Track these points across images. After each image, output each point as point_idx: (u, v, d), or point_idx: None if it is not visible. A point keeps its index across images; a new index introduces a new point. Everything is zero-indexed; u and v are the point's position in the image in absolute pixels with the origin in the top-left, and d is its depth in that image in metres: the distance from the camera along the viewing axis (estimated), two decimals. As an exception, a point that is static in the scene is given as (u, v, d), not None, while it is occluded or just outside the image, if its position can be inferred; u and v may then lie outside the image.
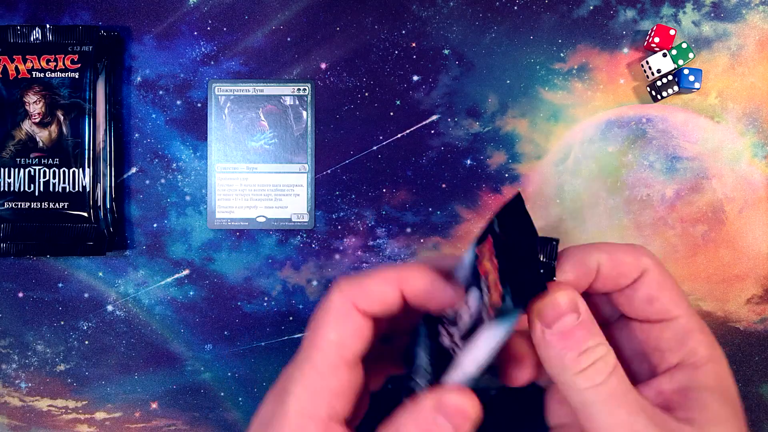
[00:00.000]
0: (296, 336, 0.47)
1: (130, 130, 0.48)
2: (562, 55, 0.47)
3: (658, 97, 0.46)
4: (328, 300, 0.27)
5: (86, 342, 0.47)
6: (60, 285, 0.47)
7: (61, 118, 0.45)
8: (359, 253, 0.47)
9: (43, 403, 0.47)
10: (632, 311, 0.28)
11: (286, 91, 0.47)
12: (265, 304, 0.47)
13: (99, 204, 0.46)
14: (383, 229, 0.47)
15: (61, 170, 0.45)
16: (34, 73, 0.45)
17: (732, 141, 0.47)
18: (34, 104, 0.45)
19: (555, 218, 0.47)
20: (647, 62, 0.46)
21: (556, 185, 0.47)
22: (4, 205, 0.45)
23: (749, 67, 0.47)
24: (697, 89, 0.45)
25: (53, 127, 0.45)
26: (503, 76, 0.47)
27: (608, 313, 0.30)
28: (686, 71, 0.45)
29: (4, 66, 0.45)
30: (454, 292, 0.27)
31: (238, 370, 0.47)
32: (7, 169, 0.45)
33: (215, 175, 0.47)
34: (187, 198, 0.47)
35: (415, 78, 0.47)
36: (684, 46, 0.45)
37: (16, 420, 0.47)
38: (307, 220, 0.47)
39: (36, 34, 0.46)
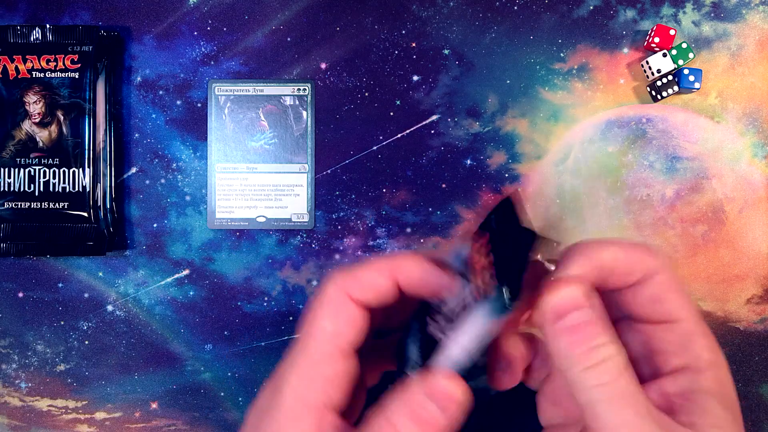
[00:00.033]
0: (296, 336, 0.47)
1: (130, 130, 0.48)
2: (562, 55, 0.47)
3: (658, 97, 0.46)
4: (323, 291, 0.27)
5: (86, 342, 0.47)
6: (60, 285, 0.47)
7: (61, 118, 0.45)
8: (359, 253, 0.47)
9: (43, 403, 0.47)
10: (636, 311, 0.28)
11: (286, 91, 0.47)
12: (265, 304, 0.47)
13: (99, 204, 0.46)
14: (383, 229, 0.47)
15: (61, 170, 0.45)
16: (34, 73, 0.45)
17: (732, 141, 0.47)
18: (34, 104, 0.45)
19: (555, 218, 0.47)
20: (647, 62, 0.46)
21: (556, 185, 0.47)
22: (4, 205, 0.45)
23: (749, 67, 0.47)
24: (697, 89, 0.45)
25: (53, 127, 0.45)
26: (503, 76, 0.47)
27: (613, 312, 0.30)
28: (686, 71, 0.45)
29: (4, 66, 0.45)
30: (447, 279, 0.27)
31: (238, 370, 0.47)
32: (7, 169, 0.45)
33: (215, 175, 0.47)
34: (187, 198, 0.47)
35: (415, 78, 0.47)
36: (684, 46, 0.45)
37: (16, 420, 0.47)
38: (307, 220, 0.47)
39: (36, 34, 0.46)
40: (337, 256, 0.47)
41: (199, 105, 0.47)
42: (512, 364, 0.29)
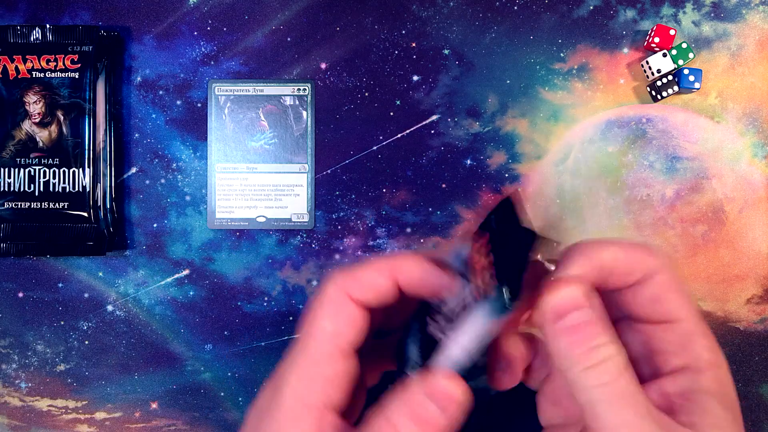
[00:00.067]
0: (296, 336, 0.47)
1: (130, 130, 0.48)
2: (562, 55, 0.47)
3: (658, 97, 0.46)
4: (323, 291, 0.27)
5: (86, 342, 0.47)
6: (60, 285, 0.47)
7: (61, 118, 0.45)
8: (359, 253, 0.47)
9: (43, 403, 0.47)
10: (636, 311, 0.28)
11: (286, 91, 0.47)
12: (265, 304, 0.47)
13: (99, 204, 0.46)
14: (383, 229, 0.47)
15: (61, 170, 0.45)
16: (34, 73, 0.45)
17: (732, 141, 0.47)
18: (34, 104, 0.45)
19: (555, 218, 0.47)
20: (647, 62, 0.46)
21: (556, 185, 0.47)
22: (4, 205, 0.45)
23: (749, 67, 0.47)
24: (697, 89, 0.45)
25: (53, 127, 0.45)
26: (503, 76, 0.47)
27: (613, 312, 0.30)
28: (686, 71, 0.45)
29: (4, 66, 0.45)
30: (447, 279, 0.27)
31: (238, 370, 0.47)
32: (7, 169, 0.45)
33: (215, 175, 0.47)
34: (187, 198, 0.47)
35: (415, 78, 0.47)
36: (684, 46, 0.45)
37: (16, 420, 0.47)
38: (307, 220, 0.47)
39: (36, 34, 0.46)
40: (337, 256, 0.47)
41: (199, 105, 0.47)
42: (512, 365, 0.29)
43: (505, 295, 0.24)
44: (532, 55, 0.47)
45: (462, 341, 0.25)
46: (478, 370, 0.26)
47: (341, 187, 0.47)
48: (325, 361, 0.26)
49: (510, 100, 0.47)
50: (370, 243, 0.47)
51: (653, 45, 0.46)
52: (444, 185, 0.47)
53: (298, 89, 0.47)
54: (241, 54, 0.47)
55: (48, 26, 0.46)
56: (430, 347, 0.26)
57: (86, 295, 0.47)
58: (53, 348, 0.47)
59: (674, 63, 0.45)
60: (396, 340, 0.31)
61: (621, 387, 0.24)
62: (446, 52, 0.47)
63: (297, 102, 0.47)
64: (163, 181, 0.47)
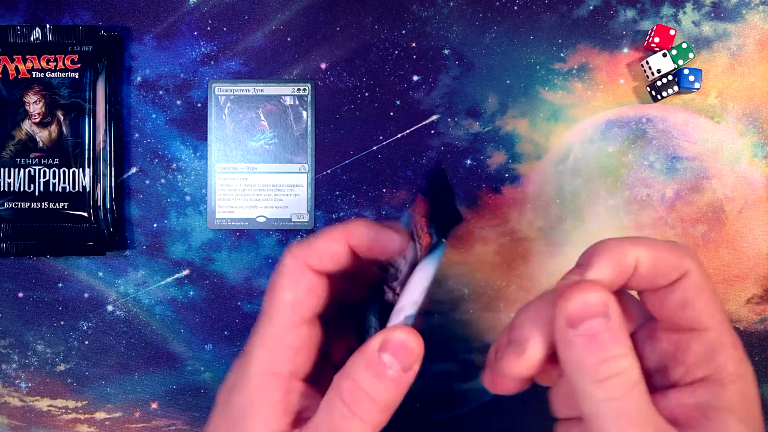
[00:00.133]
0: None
1: (130, 130, 0.48)
2: (562, 55, 0.47)
3: (658, 97, 0.46)
4: (281, 263, 0.28)
5: (86, 342, 0.47)
6: (60, 285, 0.47)
7: (61, 118, 0.45)
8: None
9: (43, 403, 0.47)
10: (663, 315, 0.27)
11: (286, 91, 0.47)
12: (265, 304, 0.47)
13: (99, 204, 0.46)
14: (383, 229, 0.47)
15: (61, 170, 0.45)
16: (34, 73, 0.45)
17: (732, 141, 0.47)
18: (34, 104, 0.45)
19: (555, 218, 0.47)
20: (647, 62, 0.46)
21: (556, 185, 0.47)
22: (4, 205, 0.45)
23: (749, 67, 0.47)
24: (697, 89, 0.45)
25: (53, 127, 0.45)
26: (503, 76, 0.47)
27: (637, 315, 0.29)
28: (686, 71, 0.45)
29: (4, 66, 0.45)
30: (399, 237, 0.28)
31: (238, 370, 0.47)
32: (7, 169, 0.45)
33: (215, 175, 0.47)
34: (187, 198, 0.47)
35: (415, 78, 0.47)
36: (684, 46, 0.45)
37: (16, 420, 0.47)
38: (307, 220, 0.47)
39: (36, 34, 0.46)
40: (337, 256, 0.47)
41: (199, 105, 0.47)
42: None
43: (438, 235, 0.26)
44: (532, 55, 0.47)
45: (413, 297, 0.26)
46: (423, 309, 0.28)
47: (341, 187, 0.47)
48: (288, 331, 0.27)
49: (510, 100, 0.47)
50: (370, 243, 0.47)
51: (653, 45, 0.46)
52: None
53: (298, 89, 0.47)
54: (241, 54, 0.47)
55: (48, 26, 0.46)
56: (386, 312, 0.27)
57: (86, 295, 0.47)
58: (53, 348, 0.47)
59: (674, 63, 0.45)
60: (358, 317, 0.32)
61: (629, 404, 0.23)
62: (446, 52, 0.47)
63: (297, 102, 0.47)
64: (163, 181, 0.47)
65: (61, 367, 0.47)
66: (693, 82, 0.45)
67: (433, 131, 0.47)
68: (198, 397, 0.47)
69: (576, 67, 0.47)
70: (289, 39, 0.47)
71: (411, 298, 0.26)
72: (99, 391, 0.47)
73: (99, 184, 0.46)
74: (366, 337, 0.28)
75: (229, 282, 0.47)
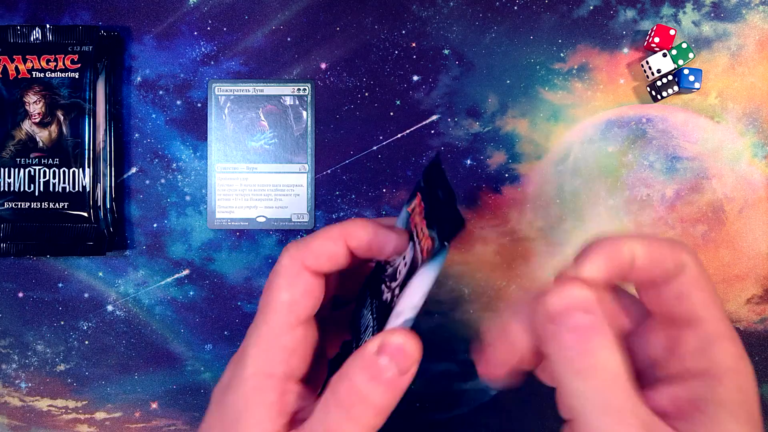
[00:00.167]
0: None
1: (130, 130, 0.48)
2: (562, 55, 0.47)
3: (658, 97, 0.46)
4: (278, 263, 0.28)
5: (86, 342, 0.47)
6: (60, 285, 0.47)
7: (61, 118, 0.45)
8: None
9: (43, 403, 0.47)
10: (659, 309, 0.27)
11: (286, 91, 0.47)
12: (265, 304, 0.47)
13: (99, 204, 0.46)
14: (383, 229, 0.47)
15: (61, 170, 0.45)
16: (34, 73, 0.45)
17: (732, 141, 0.47)
18: (34, 104, 0.45)
19: (555, 218, 0.47)
20: (647, 62, 0.46)
21: (556, 185, 0.47)
22: (4, 205, 0.45)
23: (749, 67, 0.47)
24: (697, 89, 0.45)
25: (53, 127, 0.45)
26: (503, 76, 0.47)
27: (635, 313, 0.29)
28: (686, 71, 0.45)
29: (4, 66, 0.45)
30: (397, 237, 0.28)
31: (238, 370, 0.47)
32: (7, 169, 0.45)
33: (215, 175, 0.47)
34: (187, 198, 0.47)
35: (415, 78, 0.47)
36: (684, 46, 0.45)
37: (16, 420, 0.47)
38: (307, 220, 0.47)
39: (36, 34, 0.46)
40: (337, 256, 0.47)
41: (199, 105, 0.47)
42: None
43: (440, 239, 0.25)
44: (532, 55, 0.47)
45: (412, 301, 0.26)
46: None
47: (341, 187, 0.47)
48: (284, 331, 0.27)
49: (510, 100, 0.47)
50: (370, 243, 0.47)
51: (653, 45, 0.46)
52: (444, 185, 0.47)
53: (298, 89, 0.47)
54: (241, 54, 0.47)
55: (48, 26, 0.46)
56: (383, 312, 0.27)
57: (86, 295, 0.47)
58: (53, 348, 0.47)
59: (674, 63, 0.45)
60: (350, 311, 0.31)
61: (610, 396, 0.23)
62: (446, 52, 0.47)
63: (297, 102, 0.47)
64: (163, 181, 0.47)
65: (61, 367, 0.47)
66: (693, 82, 0.45)
67: (433, 131, 0.47)
68: (198, 397, 0.47)
69: (576, 67, 0.47)
70: (289, 39, 0.47)
71: (411, 302, 0.26)
72: (99, 391, 0.47)
73: (99, 184, 0.46)
74: (362, 335, 0.28)
75: (229, 282, 0.47)
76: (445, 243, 0.25)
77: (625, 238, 0.26)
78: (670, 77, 0.46)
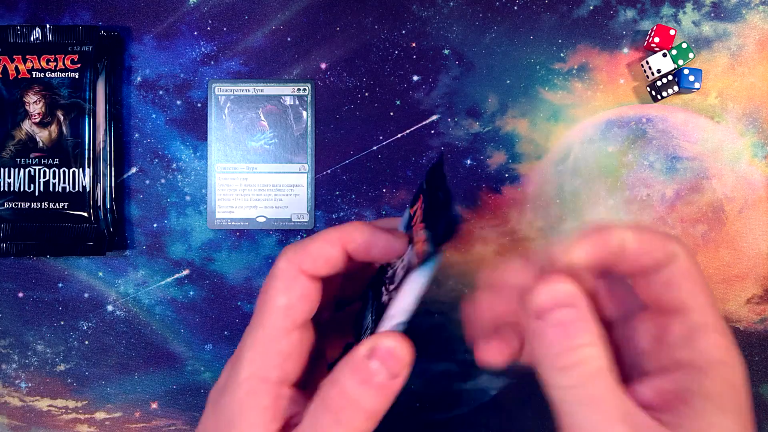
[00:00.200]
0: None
1: (130, 130, 0.48)
2: (562, 55, 0.47)
3: (658, 97, 0.46)
4: (275, 267, 0.28)
5: (86, 342, 0.47)
6: (60, 285, 0.47)
7: (61, 118, 0.45)
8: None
9: (43, 403, 0.47)
10: (649, 297, 0.27)
11: (286, 91, 0.47)
12: (265, 304, 0.47)
13: (99, 204, 0.46)
14: (383, 229, 0.47)
15: (61, 170, 0.45)
16: (34, 73, 0.45)
17: (732, 141, 0.47)
18: (34, 104, 0.45)
19: (555, 218, 0.47)
20: (647, 62, 0.46)
21: (556, 185, 0.47)
22: (4, 205, 0.45)
23: (749, 67, 0.47)
24: (697, 89, 0.45)
25: (53, 127, 0.45)
26: (503, 76, 0.47)
27: (628, 302, 0.29)
28: (686, 71, 0.45)
29: (4, 66, 0.45)
30: (395, 240, 0.28)
31: (238, 370, 0.47)
32: (7, 169, 0.45)
33: (215, 175, 0.47)
34: (187, 198, 0.47)
35: (415, 78, 0.47)
36: (684, 46, 0.45)
37: (16, 420, 0.47)
38: (307, 220, 0.47)
39: (36, 34, 0.46)
40: (337, 256, 0.47)
41: (199, 105, 0.47)
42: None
43: (433, 244, 0.24)
44: (532, 55, 0.47)
45: (404, 304, 0.26)
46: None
47: (341, 187, 0.47)
48: (280, 336, 0.27)
49: (510, 100, 0.47)
50: (370, 243, 0.47)
51: (653, 45, 0.46)
52: (444, 185, 0.47)
53: (298, 89, 0.47)
54: (241, 54, 0.47)
55: (48, 26, 0.46)
56: (381, 315, 0.27)
57: (86, 295, 0.47)
58: (53, 348, 0.47)
59: (674, 63, 0.45)
60: (354, 312, 0.31)
61: (593, 390, 0.23)
62: (446, 52, 0.47)
63: (297, 102, 0.47)
64: (163, 181, 0.47)
65: (61, 367, 0.47)
66: (693, 82, 0.45)
67: (433, 131, 0.47)
68: (198, 397, 0.47)
69: (576, 67, 0.47)
70: (289, 39, 0.47)
71: (402, 306, 0.26)
72: (99, 391, 0.47)
73: (99, 184, 0.46)
74: (362, 336, 0.28)
75: (229, 282, 0.47)
76: (438, 248, 0.24)
77: (616, 226, 0.26)
78: (670, 77, 0.46)
